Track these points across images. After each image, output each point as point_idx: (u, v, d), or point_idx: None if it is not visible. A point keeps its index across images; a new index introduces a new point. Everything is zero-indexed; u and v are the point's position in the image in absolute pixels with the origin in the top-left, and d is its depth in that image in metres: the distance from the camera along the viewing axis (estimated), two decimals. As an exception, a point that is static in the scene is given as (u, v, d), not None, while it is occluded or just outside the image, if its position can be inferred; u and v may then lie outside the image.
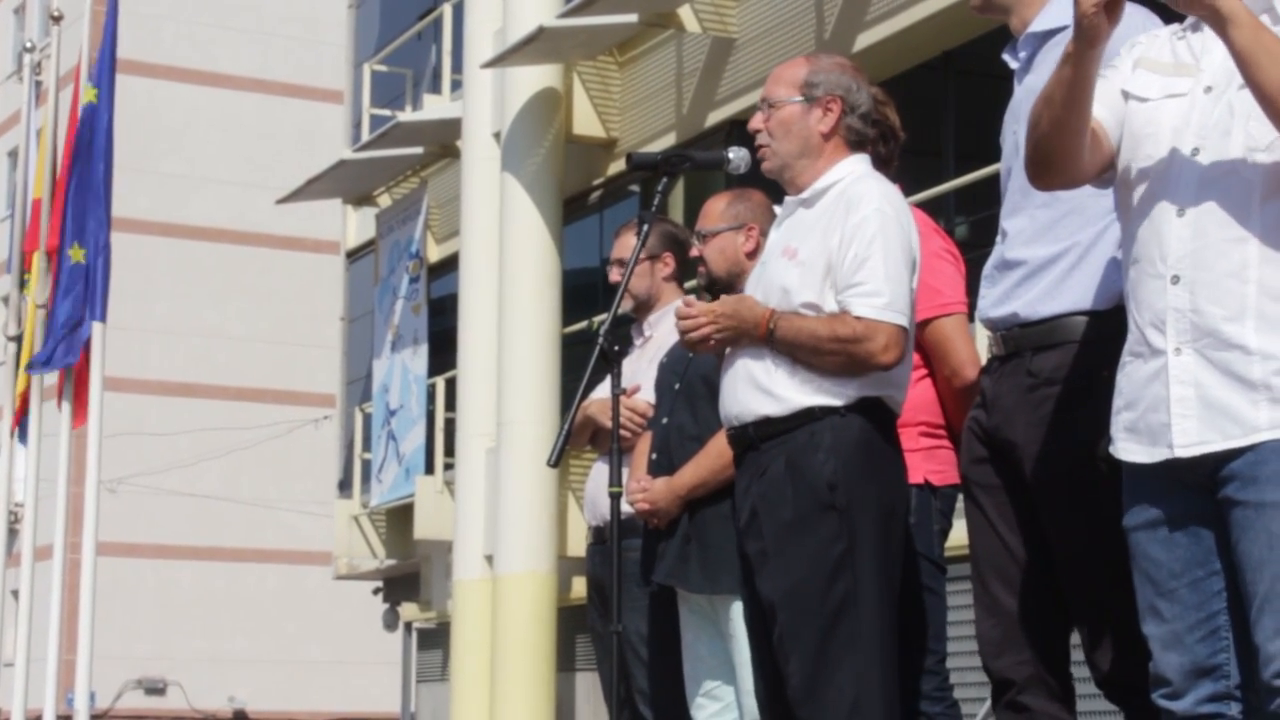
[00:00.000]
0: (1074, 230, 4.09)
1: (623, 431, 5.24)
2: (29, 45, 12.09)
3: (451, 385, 15.64)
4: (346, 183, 18.16)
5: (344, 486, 19.50)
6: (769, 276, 4.66)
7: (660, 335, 5.82)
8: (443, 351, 16.49)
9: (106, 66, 10.31)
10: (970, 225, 11.99)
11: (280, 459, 35.59)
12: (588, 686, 15.00)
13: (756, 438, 4.58)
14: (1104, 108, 3.74)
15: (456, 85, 16.45)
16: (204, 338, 36.05)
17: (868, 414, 4.52)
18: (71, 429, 10.26)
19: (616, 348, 4.95)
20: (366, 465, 18.29)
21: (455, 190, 15.89)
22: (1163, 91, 3.70)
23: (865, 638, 4.43)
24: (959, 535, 4.53)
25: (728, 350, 4.67)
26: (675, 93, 14.09)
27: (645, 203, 13.80)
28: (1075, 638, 4.17)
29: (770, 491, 4.53)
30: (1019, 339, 4.14)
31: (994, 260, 4.24)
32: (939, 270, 5.08)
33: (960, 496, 4.45)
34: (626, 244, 5.76)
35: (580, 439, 5.92)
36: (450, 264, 16.52)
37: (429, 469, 16.53)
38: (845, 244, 4.51)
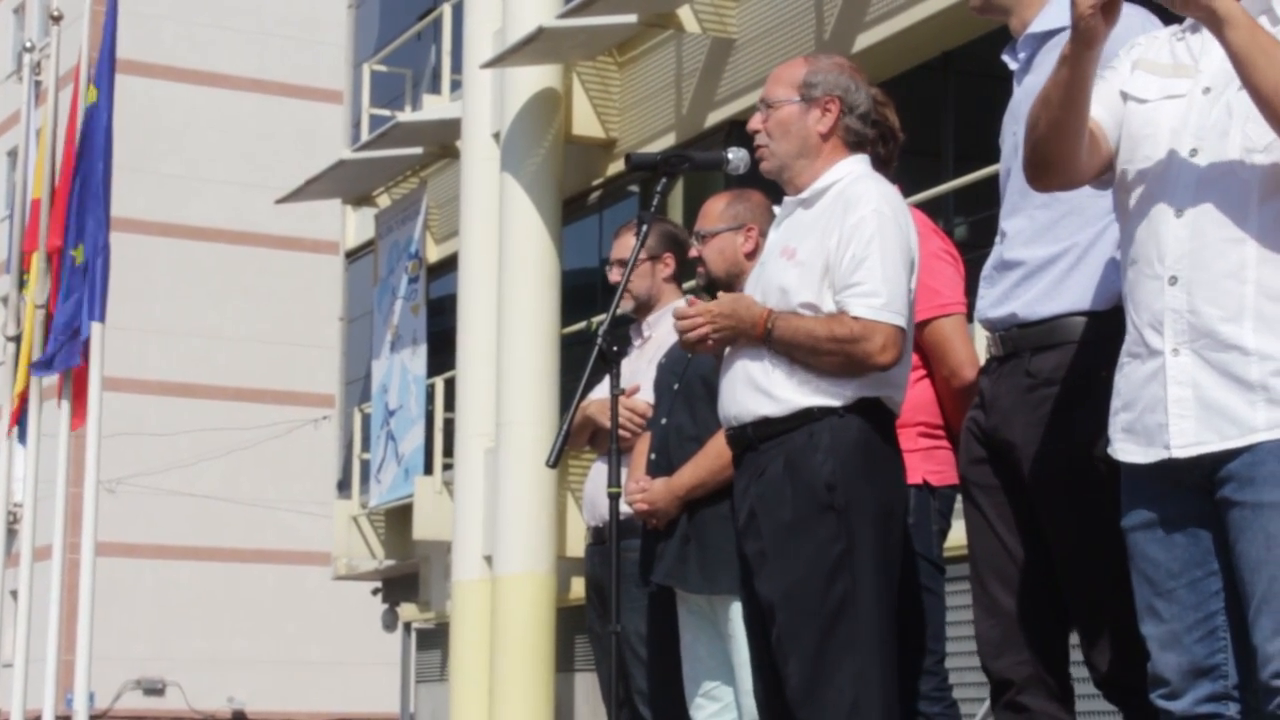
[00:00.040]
0: (1073, 231, 4.09)
1: (622, 432, 5.25)
2: (29, 45, 12.09)
3: (450, 386, 15.64)
4: (346, 183, 18.16)
5: (343, 487, 19.50)
6: (767, 277, 4.65)
7: (659, 336, 5.82)
8: (442, 352, 16.49)
9: (106, 67, 10.31)
10: (969, 226, 12.00)
11: (279, 459, 35.59)
12: (587, 687, 15.00)
13: (755, 438, 4.58)
14: (1103, 109, 3.75)
15: (456, 85, 16.46)
16: (203, 338, 36.04)
17: (866, 414, 4.52)
18: (70, 429, 10.26)
19: (615, 348, 4.95)
20: (365, 466, 18.29)
21: (454, 190, 15.89)
22: (1161, 93, 3.70)
23: (864, 638, 4.43)
24: (958, 536, 4.53)
25: (727, 351, 4.67)
26: (675, 93, 14.09)
27: (644, 203, 13.80)
28: (1074, 638, 4.17)
29: (769, 492, 4.52)
30: (1018, 339, 4.14)
31: (993, 261, 4.24)
32: (938, 271, 5.08)
33: (959, 497, 4.45)
34: (626, 244, 5.76)
35: (579, 439, 5.92)
36: (449, 264, 16.52)
37: (428, 469, 16.53)
38: (843, 244, 4.51)
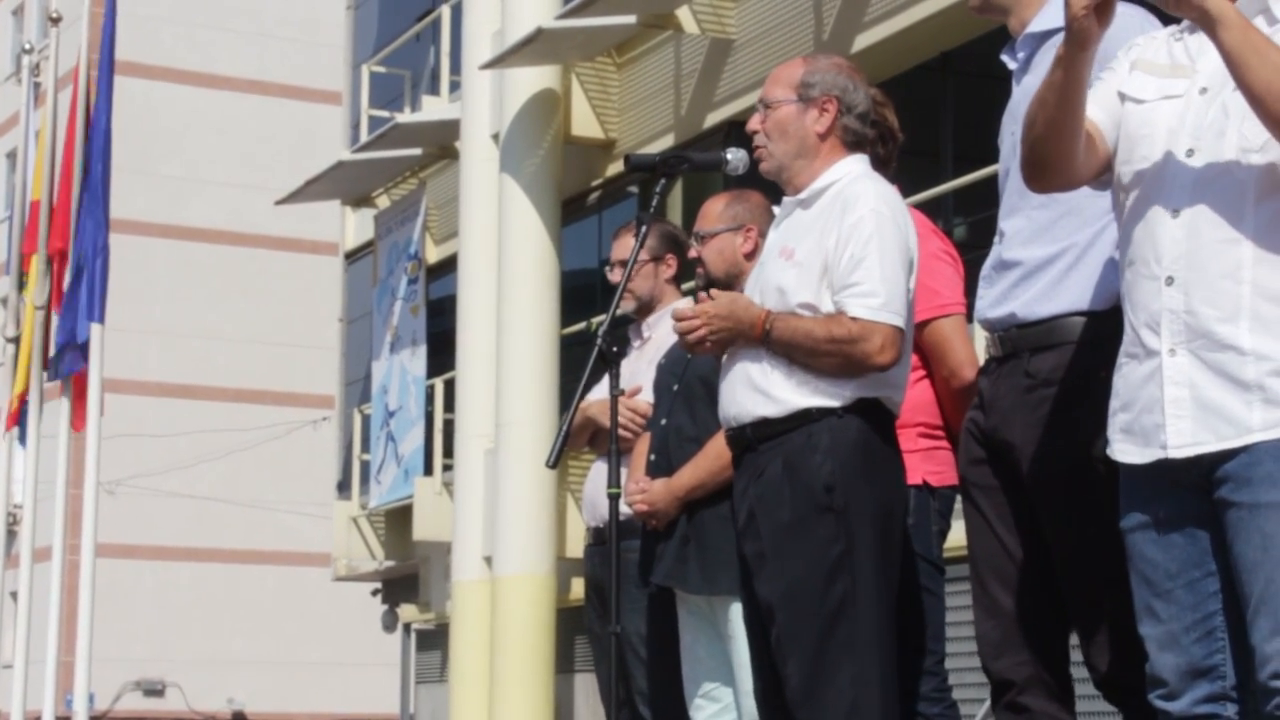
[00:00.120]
0: (1071, 231, 4.10)
1: (622, 432, 5.25)
2: (28, 47, 12.08)
3: (450, 386, 15.64)
4: (345, 184, 18.17)
5: (343, 488, 19.51)
6: (766, 277, 4.65)
7: (659, 336, 5.82)
8: (441, 353, 16.50)
9: (105, 68, 10.31)
10: (968, 226, 12.01)
11: (279, 460, 35.59)
12: (586, 688, 15.00)
13: (754, 439, 4.57)
14: (1100, 109, 3.75)
15: (455, 86, 16.46)
16: (203, 339, 36.04)
17: (865, 415, 4.51)
18: (71, 431, 10.27)
19: (615, 348, 4.95)
20: (365, 466, 18.29)
21: (454, 191, 15.89)
22: (1158, 93, 3.70)
23: (863, 639, 4.43)
24: (957, 536, 4.53)
25: (727, 352, 4.67)
26: (674, 94, 14.09)
27: (644, 204, 13.78)
28: (1074, 638, 4.17)
29: (768, 493, 4.52)
30: (1017, 340, 4.14)
31: (992, 261, 4.25)
32: (937, 271, 5.08)
33: (958, 497, 4.45)
34: (625, 245, 5.76)
35: (579, 440, 5.92)
36: (449, 265, 16.52)
37: (428, 470, 16.53)
38: (841, 244, 4.51)
